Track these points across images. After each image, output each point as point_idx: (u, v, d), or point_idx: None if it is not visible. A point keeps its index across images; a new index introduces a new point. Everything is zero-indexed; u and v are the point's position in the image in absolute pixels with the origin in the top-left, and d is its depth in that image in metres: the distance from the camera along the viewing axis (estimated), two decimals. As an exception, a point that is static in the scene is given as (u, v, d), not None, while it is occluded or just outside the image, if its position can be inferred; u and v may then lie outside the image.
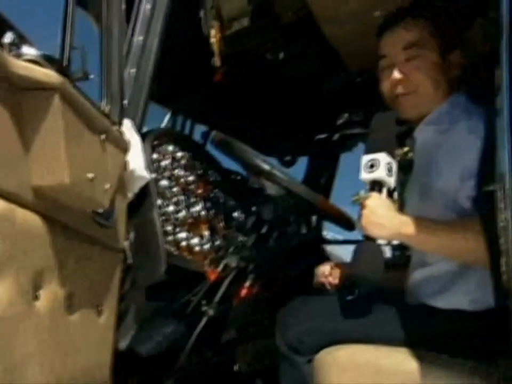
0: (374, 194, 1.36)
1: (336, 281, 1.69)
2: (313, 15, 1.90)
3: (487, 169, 1.04)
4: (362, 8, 1.83)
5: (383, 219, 1.34)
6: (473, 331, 1.33)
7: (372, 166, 1.35)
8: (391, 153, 1.37)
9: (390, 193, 1.42)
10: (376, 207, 1.35)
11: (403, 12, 1.58)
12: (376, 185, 1.36)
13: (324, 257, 2.44)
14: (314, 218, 2.48)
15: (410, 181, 1.68)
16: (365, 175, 1.36)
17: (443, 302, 1.41)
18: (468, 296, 1.37)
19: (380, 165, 1.34)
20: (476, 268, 1.34)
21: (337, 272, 1.70)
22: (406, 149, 1.81)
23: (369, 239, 1.36)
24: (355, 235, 2.46)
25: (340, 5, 1.83)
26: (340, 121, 2.72)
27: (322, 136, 2.82)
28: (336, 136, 2.79)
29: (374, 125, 1.44)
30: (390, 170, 1.35)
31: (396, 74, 1.54)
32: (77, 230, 1.18)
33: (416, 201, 1.56)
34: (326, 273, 1.71)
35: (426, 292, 1.46)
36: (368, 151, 1.38)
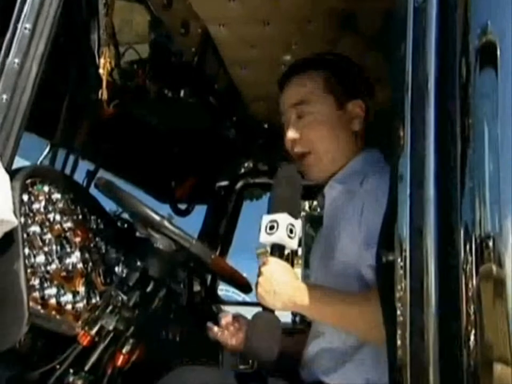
0: (271, 260, 1.37)
1: (234, 341, 1.67)
2: (220, 55, 1.96)
3: (389, 237, 1.10)
4: (268, 53, 1.92)
5: (278, 287, 1.35)
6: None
7: (271, 228, 1.37)
8: (295, 213, 1.39)
9: (292, 256, 1.45)
10: (272, 274, 1.36)
11: (296, 67, 1.67)
12: (277, 248, 1.38)
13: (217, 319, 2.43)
14: (209, 276, 2.49)
15: (316, 241, 1.72)
16: (264, 238, 1.38)
17: (338, 380, 1.43)
18: (363, 375, 1.41)
19: (280, 227, 1.35)
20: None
21: (240, 329, 1.68)
22: (314, 203, 1.88)
23: (266, 308, 1.36)
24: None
25: (247, 48, 1.90)
26: (243, 170, 2.78)
27: (224, 184, 2.86)
28: (238, 185, 2.84)
29: (277, 179, 1.46)
30: (292, 231, 1.37)
31: (290, 133, 1.62)
32: None
33: (319, 263, 1.61)
34: (227, 328, 1.69)
35: (321, 367, 1.49)
36: (270, 210, 1.40)
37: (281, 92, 1.67)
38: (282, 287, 1.35)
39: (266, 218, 1.38)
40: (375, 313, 1.22)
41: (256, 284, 1.39)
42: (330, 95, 1.60)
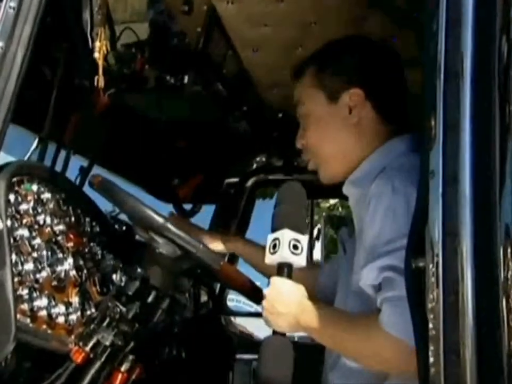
0: (273, 280, 1.42)
1: None
2: (228, 36, 1.96)
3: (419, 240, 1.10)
4: (283, 33, 1.91)
5: (282, 308, 1.40)
6: None
7: (274, 247, 1.41)
8: (299, 228, 1.42)
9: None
10: (277, 296, 1.41)
11: (296, 68, 1.72)
12: (284, 267, 1.42)
13: (227, 332, 2.45)
14: (217, 284, 2.50)
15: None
16: (268, 258, 1.43)
17: None
18: None
19: (282, 244, 1.40)
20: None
21: None
22: (331, 202, 1.91)
23: (276, 332, 1.41)
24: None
25: (259, 27, 1.90)
26: (255, 165, 2.79)
27: (234, 180, 2.87)
28: (250, 182, 2.85)
29: (278, 197, 1.50)
30: (296, 247, 1.40)
31: (297, 141, 1.70)
32: None
33: (346, 271, 1.63)
34: None
35: None
36: (272, 228, 1.44)
37: None
38: (286, 308, 1.40)
39: (269, 238, 1.43)
40: (379, 340, 1.26)
41: (262, 307, 1.44)
42: (319, 90, 1.64)
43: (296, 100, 1.69)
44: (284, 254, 1.39)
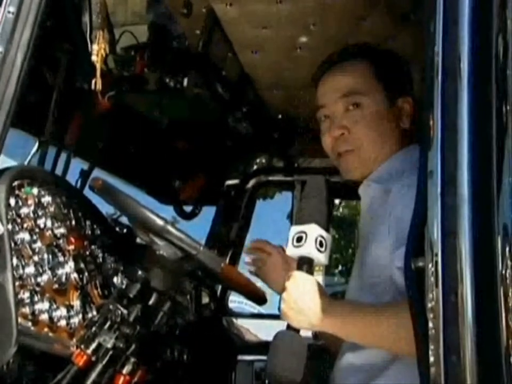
0: (296, 274, 1.40)
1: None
2: (228, 38, 1.96)
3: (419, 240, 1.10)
4: (283, 34, 1.92)
5: (303, 304, 1.37)
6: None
7: (299, 240, 1.39)
8: (325, 226, 1.41)
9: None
10: (297, 291, 1.38)
11: (342, 54, 1.68)
12: (305, 262, 1.41)
13: (228, 334, 2.45)
14: (218, 286, 2.50)
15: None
16: (291, 250, 1.41)
17: None
18: None
19: (308, 238, 1.38)
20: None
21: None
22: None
23: (291, 328, 1.39)
24: (273, 308, 2.51)
25: (258, 29, 1.90)
26: (255, 166, 2.79)
27: (234, 182, 2.88)
28: (251, 184, 2.85)
29: (306, 190, 1.49)
30: (321, 244, 1.39)
31: (335, 130, 1.63)
32: None
33: (357, 267, 1.64)
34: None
35: (353, 381, 1.52)
36: (297, 221, 1.43)
37: (321, 83, 1.69)
38: (308, 305, 1.38)
39: (294, 230, 1.41)
40: (405, 326, 1.23)
41: (280, 300, 1.42)
42: (381, 88, 1.63)
43: (351, 88, 1.63)
44: (309, 249, 1.38)
